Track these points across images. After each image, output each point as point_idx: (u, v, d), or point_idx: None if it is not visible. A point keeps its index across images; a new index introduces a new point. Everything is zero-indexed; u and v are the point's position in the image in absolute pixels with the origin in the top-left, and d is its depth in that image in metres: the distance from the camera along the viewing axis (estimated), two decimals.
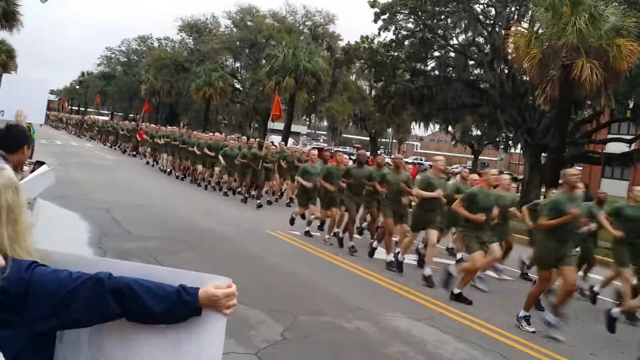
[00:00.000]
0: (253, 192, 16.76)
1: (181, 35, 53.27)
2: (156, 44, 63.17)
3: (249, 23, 46.88)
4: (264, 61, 43.59)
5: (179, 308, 1.79)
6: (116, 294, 1.74)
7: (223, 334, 1.88)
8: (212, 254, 9.54)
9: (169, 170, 22.55)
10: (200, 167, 19.73)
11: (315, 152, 14.11)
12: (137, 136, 30.09)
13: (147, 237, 10.06)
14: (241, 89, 48.00)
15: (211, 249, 9.93)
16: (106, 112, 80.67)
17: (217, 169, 18.72)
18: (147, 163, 26.68)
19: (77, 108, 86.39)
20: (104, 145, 38.39)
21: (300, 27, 46.77)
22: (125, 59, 70.78)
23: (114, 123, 40.92)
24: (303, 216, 12.61)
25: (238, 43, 46.68)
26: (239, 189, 17.51)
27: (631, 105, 23.73)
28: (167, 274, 1.88)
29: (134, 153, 31.61)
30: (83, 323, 1.79)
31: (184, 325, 1.83)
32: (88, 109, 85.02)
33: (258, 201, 15.99)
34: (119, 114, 69.61)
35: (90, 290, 1.73)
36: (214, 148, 18.64)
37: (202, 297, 1.82)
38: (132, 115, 68.56)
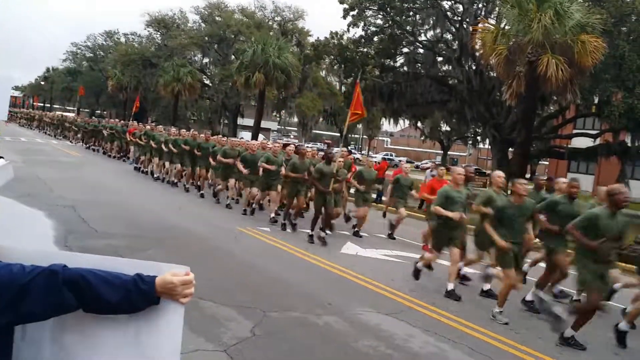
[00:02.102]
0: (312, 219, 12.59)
1: (148, 31, 52.79)
2: (123, 40, 62.37)
3: (217, 18, 46.57)
4: (233, 57, 43.39)
5: (135, 297, 1.77)
6: (71, 285, 1.72)
7: (181, 324, 1.86)
8: (181, 251, 9.44)
9: (166, 178, 19.11)
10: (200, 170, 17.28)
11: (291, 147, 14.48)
12: (128, 136, 24.82)
13: (114, 235, 9.92)
14: (210, 84, 47.70)
15: (180, 246, 9.83)
16: (72, 108, 79.34)
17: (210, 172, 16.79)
18: (139, 170, 21.96)
19: (42, 104, 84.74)
20: (88, 147, 32.03)
21: (270, 23, 46.62)
22: (92, 55, 69.72)
23: (96, 121, 34.39)
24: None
25: (206, 38, 46.35)
26: (270, 211, 13.68)
27: (596, 101, 24.18)
28: (123, 264, 1.87)
29: (121, 155, 26.82)
30: (38, 316, 1.75)
31: (143, 317, 1.82)
32: (54, 105, 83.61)
33: (323, 234, 11.41)
34: (85, 110, 68.46)
35: (44, 283, 1.70)
36: (203, 148, 16.83)
37: (159, 285, 1.80)
38: (99, 112, 67.59)
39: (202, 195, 16.66)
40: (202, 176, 17.29)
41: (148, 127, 23.03)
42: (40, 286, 1.69)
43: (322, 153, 12.33)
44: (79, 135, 35.81)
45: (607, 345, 6.91)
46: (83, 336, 1.83)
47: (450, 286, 8.30)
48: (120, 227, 10.69)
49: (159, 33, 51.85)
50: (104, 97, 62.30)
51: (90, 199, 13.60)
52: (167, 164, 18.75)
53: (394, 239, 12.89)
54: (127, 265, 1.87)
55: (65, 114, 51.83)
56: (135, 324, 1.82)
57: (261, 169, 13.33)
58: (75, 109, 76.35)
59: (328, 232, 11.79)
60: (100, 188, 16.06)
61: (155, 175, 19.98)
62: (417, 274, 8.97)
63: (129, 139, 24.51)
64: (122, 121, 31.08)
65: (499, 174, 8.77)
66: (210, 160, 16.10)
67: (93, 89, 63.16)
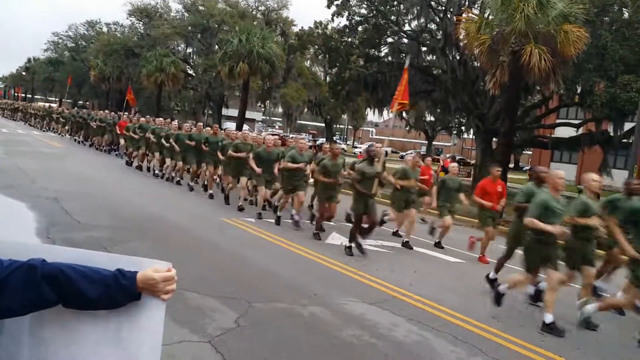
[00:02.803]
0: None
1: (131, 20, 52.24)
2: (105, 29, 61.73)
3: (200, 7, 46.18)
4: (216, 47, 43.09)
5: (116, 292, 1.76)
6: (50, 280, 1.69)
7: (162, 320, 1.85)
8: (165, 242, 9.41)
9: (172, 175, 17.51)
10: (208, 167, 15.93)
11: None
12: (118, 130, 23.17)
13: (97, 227, 9.85)
14: (194, 74, 47.35)
15: (164, 237, 9.79)
16: (53, 98, 78.50)
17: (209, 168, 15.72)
18: (130, 165, 20.98)
19: (23, 95, 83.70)
20: (77, 141, 30.80)
21: (253, 12, 46.32)
22: (73, 45, 68.93)
23: (84, 113, 32.31)
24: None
25: (190, 28, 45.97)
26: (297, 211, 12.16)
27: (579, 91, 24.34)
28: (104, 259, 1.85)
29: (110, 148, 25.76)
30: (16, 311, 1.72)
31: (124, 312, 1.81)
32: (35, 96, 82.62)
33: (361, 242, 10.12)
34: (68, 100, 67.73)
35: (22, 278, 1.67)
36: (211, 143, 15.39)
37: (140, 280, 1.79)
38: (82, 102, 66.92)
39: (211, 196, 15.03)
40: (211, 174, 15.66)
41: (143, 119, 21.30)
42: (18, 281, 1.67)
43: (365, 152, 10.48)
44: (66, 127, 34.49)
45: (587, 332, 7.00)
46: (63, 330, 1.81)
47: (549, 318, 6.79)
48: (103, 219, 10.61)
49: (141, 22, 51.32)
50: (87, 87, 61.63)
51: (73, 191, 13.48)
52: (168, 160, 17.24)
53: (442, 247, 11.42)
54: (108, 260, 1.85)
55: (52, 105, 50.96)
56: (116, 319, 1.81)
57: (276, 168, 12.59)
58: (57, 99, 75.64)
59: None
60: (84, 180, 15.93)
61: (155, 172, 18.51)
62: (498, 298, 7.46)
63: (118, 132, 22.99)
64: (112, 113, 29.37)
65: (594, 178, 7.45)
66: (220, 155, 14.44)
67: (75, 79, 62.49)
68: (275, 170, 12.68)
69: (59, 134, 35.21)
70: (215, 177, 16.02)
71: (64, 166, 18.73)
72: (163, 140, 17.10)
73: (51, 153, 23.19)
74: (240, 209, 13.41)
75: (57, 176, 15.84)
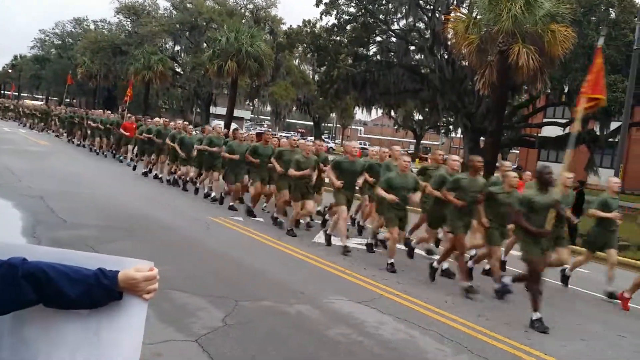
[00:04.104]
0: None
1: (118, 18, 51.97)
2: (92, 27, 61.34)
3: (188, 5, 46.01)
4: (205, 45, 42.97)
5: (97, 292, 1.74)
6: (30, 279, 1.67)
7: (144, 320, 1.83)
8: (152, 241, 9.36)
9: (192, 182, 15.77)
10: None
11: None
12: (123, 131, 20.80)
13: (83, 225, 9.77)
14: (182, 72, 47.17)
15: (151, 236, 9.74)
16: (41, 96, 77.93)
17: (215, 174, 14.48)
18: (147, 174, 18.04)
19: (17, 93, 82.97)
20: (73, 142, 28.14)
21: (242, 10, 46.25)
22: (60, 42, 68.49)
23: (82, 112, 29.41)
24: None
25: (178, 26, 45.82)
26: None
27: (566, 90, 24.52)
28: (86, 258, 1.83)
29: (114, 152, 23.08)
30: None
31: (105, 312, 1.79)
32: (21, 93, 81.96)
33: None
34: (54, 98, 67.25)
35: (2, 277, 1.65)
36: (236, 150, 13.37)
37: (122, 280, 1.77)
38: (68, 100, 66.48)
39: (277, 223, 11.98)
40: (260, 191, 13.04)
41: (160, 121, 18.63)
42: None
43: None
44: (61, 130, 31.31)
45: (573, 329, 7.05)
46: (43, 330, 1.79)
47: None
48: (89, 218, 10.54)
49: (129, 20, 51.08)
50: (73, 85, 61.25)
51: (60, 190, 13.37)
52: (187, 168, 15.47)
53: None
54: (89, 259, 1.83)
55: (49, 104, 48.75)
56: (96, 319, 1.79)
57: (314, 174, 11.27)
58: (44, 97, 75.05)
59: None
60: (70, 178, 15.81)
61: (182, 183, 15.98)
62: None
63: (126, 134, 20.47)
64: (114, 114, 26.28)
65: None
66: (278, 166, 11.67)
67: (62, 76, 62.04)
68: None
69: (57, 135, 32.11)
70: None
71: (51, 165, 18.58)
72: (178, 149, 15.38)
73: (38, 151, 23.01)
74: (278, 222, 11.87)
75: (43, 175, 15.72)
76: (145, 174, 18.01)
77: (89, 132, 25.78)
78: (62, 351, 1.78)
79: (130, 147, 20.75)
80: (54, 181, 14.70)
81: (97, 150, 24.16)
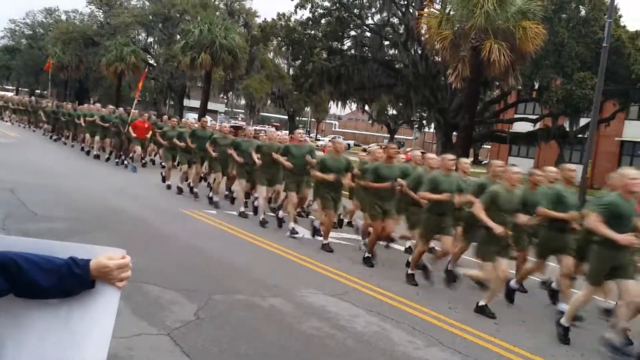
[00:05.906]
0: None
1: (90, 8, 51.22)
2: (64, 17, 60.34)
3: None
4: (178, 36, 42.57)
5: (69, 281, 1.74)
6: (1, 269, 1.67)
7: (115, 309, 1.84)
8: (124, 234, 9.29)
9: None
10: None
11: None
12: (132, 132, 17.91)
13: (54, 218, 9.66)
14: (155, 64, 46.67)
15: (123, 229, 9.66)
16: (11, 87, 76.36)
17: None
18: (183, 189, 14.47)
19: None
20: (65, 143, 24.42)
21: (216, 3, 45.91)
22: (31, 32, 67.26)
23: (70, 109, 25.01)
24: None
25: (151, 17, 45.30)
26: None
27: (536, 86, 24.87)
28: (57, 247, 1.83)
29: (119, 155, 19.33)
30: None
31: (77, 300, 1.79)
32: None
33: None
34: (25, 89, 65.97)
35: None
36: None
37: (94, 268, 1.77)
38: (39, 91, 65.36)
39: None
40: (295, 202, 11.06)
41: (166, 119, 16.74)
42: None
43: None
44: (46, 126, 27.72)
45: (542, 321, 7.20)
46: (12, 317, 1.78)
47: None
48: (61, 211, 10.41)
49: (101, 11, 50.37)
50: (44, 76, 60.13)
51: (31, 182, 13.16)
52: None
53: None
54: (60, 248, 1.82)
55: (41, 99, 44.29)
56: (67, 306, 1.79)
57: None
58: (14, 88, 73.50)
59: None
60: (42, 171, 15.57)
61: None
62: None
63: (134, 135, 17.91)
64: (119, 108, 22.21)
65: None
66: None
67: (32, 67, 60.91)
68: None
69: (45, 133, 27.84)
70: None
71: (22, 157, 18.28)
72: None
73: (8, 143, 22.61)
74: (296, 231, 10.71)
75: (13, 167, 15.45)
76: (182, 191, 14.31)
77: (77, 130, 22.70)
78: (30, 337, 1.78)
79: (138, 149, 18.47)
80: (25, 173, 14.46)
81: (98, 152, 20.44)
